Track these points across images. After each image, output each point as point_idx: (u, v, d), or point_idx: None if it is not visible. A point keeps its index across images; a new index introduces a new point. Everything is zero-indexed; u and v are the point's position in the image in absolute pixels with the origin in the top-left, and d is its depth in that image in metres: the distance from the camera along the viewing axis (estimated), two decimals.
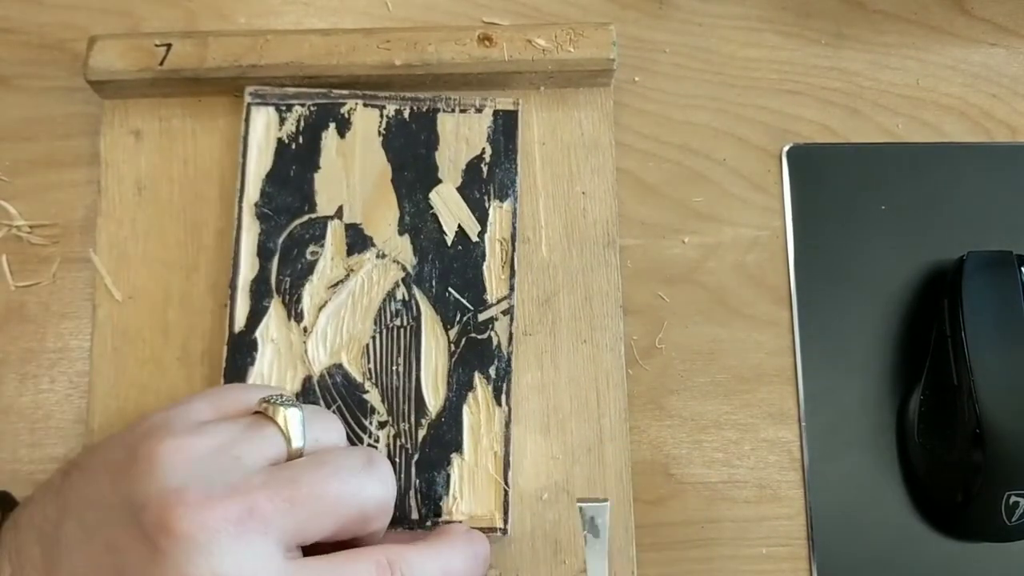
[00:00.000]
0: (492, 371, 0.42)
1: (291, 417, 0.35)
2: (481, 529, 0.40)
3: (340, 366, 0.42)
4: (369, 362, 0.42)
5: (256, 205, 0.43)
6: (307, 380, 0.42)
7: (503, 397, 0.42)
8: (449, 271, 0.43)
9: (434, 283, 0.43)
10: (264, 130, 0.44)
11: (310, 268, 0.43)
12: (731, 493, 0.44)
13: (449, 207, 0.43)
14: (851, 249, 0.47)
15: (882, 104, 0.49)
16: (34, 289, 0.45)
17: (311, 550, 0.35)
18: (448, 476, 0.41)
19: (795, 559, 0.44)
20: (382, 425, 0.41)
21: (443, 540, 0.38)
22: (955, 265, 0.45)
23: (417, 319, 0.42)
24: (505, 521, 0.41)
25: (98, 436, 0.42)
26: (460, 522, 0.40)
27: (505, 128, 0.44)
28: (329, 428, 0.38)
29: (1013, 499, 0.41)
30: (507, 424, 0.41)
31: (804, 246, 0.47)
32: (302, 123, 0.44)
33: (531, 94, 0.46)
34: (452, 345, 0.42)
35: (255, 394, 0.37)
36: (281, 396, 0.36)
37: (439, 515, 0.40)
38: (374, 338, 0.42)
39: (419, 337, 0.42)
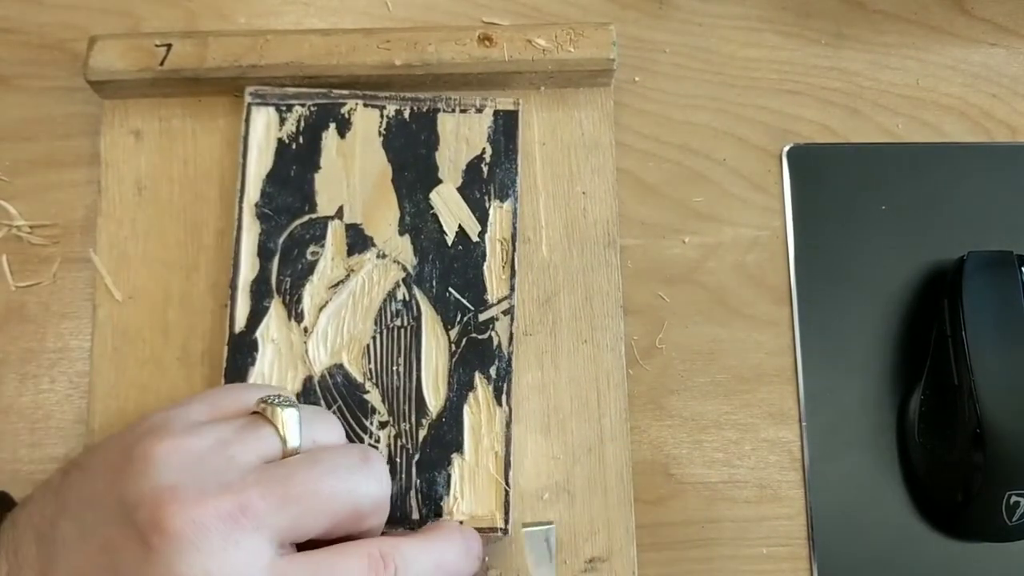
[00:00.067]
0: (493, 371, 0.42)
1: (288, 417, 0.35)
2: (481, 529, 0.40)
3: (341, 366, 0.42)
4: (370, 362, 0.42)
5: (256, 205, 0.43)
6: (308, 380, 0.42)
7: (504, 397, 0.42)
8: (449, 271, 0.43)
9: (435, 283, 0.43)
10: (264, 130, 0.44)
11: (310, 268, 0.42)
12: (731, 493, 0.44)
13: (449, 207, 0.43)
14: (851, 249, 0.47)
15: (882, 104, 0.49)
16: (34, 289, 0.45)
17: (307, 547, 0.35)
18: (449, 476, 0.41)
19: (795, 559, 0.44)
20: (383, 425, 0.41)
21: (436, 534, 0.38)
22: (955, 265, 0.45)
23: (418, 319, 0.42)
24: (506, 521, 0.41)
25: (98, 436, 0.42)
26: (460, 522, 0.40)
27: (505, 128, 0.44)
28: (327, 428, 0.38)
29: (1013, 499, 0.41)
30: (508, 424, 0.41)
31: (804, 246, 0.47)
32: (302, 123, 0.44)
33: (531, 94, 0.46)
34: (453, 345, 0.42)
35: (254, 394, 0.37)
36: (279, 397, 0.36)
37: (440, 515, 0.41)
38: (375, 338, 0.42)
39: (420, 337, 0.42)
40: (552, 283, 0.44)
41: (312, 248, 0.43)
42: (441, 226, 0.43)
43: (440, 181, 0.44)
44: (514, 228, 0.43)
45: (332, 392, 0.41)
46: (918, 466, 0.44)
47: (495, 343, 0.42)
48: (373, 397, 0.41)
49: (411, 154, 0.44)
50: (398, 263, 0.43)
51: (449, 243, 0.43)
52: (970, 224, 0.47)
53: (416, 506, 0.41)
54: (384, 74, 0.44)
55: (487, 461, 0.41)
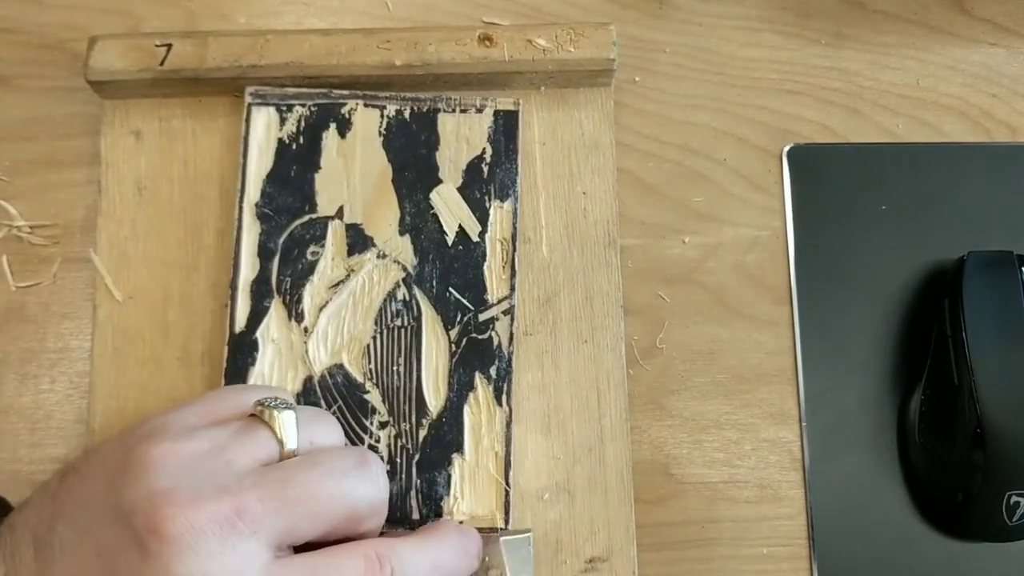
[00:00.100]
0: (493, 371, 0.42)
1: (285, 419, 0.35)
2: (481, 529, 0.40)
3: (341, 366, 0.42)
4: (370, 362, 0.42)
5: (257, 205, 0.43)
6: (308, 380, 0.42)
7: (504, 397, 0.42)
8: (450, 271, 0.43)
9: (435, 283, 0.43)
10: (264, 130, 0.44)
11: (311, 268, 0.42)
12: (731, 493, 0.44)
13: (450, 207, 0.43)
14: (851, 249, 0.47)
15: (882, 104, 0.49)
16: (34, 289, 0.45)
17: (304, 549, 0.35)
18: (449, 476, 0.41)
19: (795, 559, 0.44)
20: (383, 425, 0.41)
21: (433, 534, 0.38)
22: (955, 265, 0.45)
23: (418, 319, 0.42)
24: (506, 521, 0.41)
25: (98, 436, 0.42)
26: (460, 522, 0.40)
27: (506, 128, 0.44)
28: (325, 430, 0.38)
29: (1013, 499, 0.41)
30: (508, 424, 0.41)
31: (804, 246, 0.47)
32: (302, 123, 0.44)
33: (531, 94, 0.46)
34: (453, 345, 0.42)
35: (251, 396, 0.37)
36: (276, 399, 0.36)
37: (440, 515, 0.41)
38: (375, 338, 0.42)
39: (420, 337, 0.42)
40: (552, 283, 0.44)
41: (312, 248, 0.43)
42: (441, 226, 0.43)
43: (440, 181, 0.44)
44: (514, 228, 0.43)
45: (332, 392, 0.41)
46: (918, 466, 0.44)
47: (495, 343, 0.42)
48: (373, 397, 0.41)
49: (411, 154, 0.44)
50: (398, 263, 0.43)
51: (449, 243, 0.43)
52: (970, 224, 0.47)
53: (416, 506, 0.41)
54: (384, 74, 0.44)
55: (487, 461, 0.41)
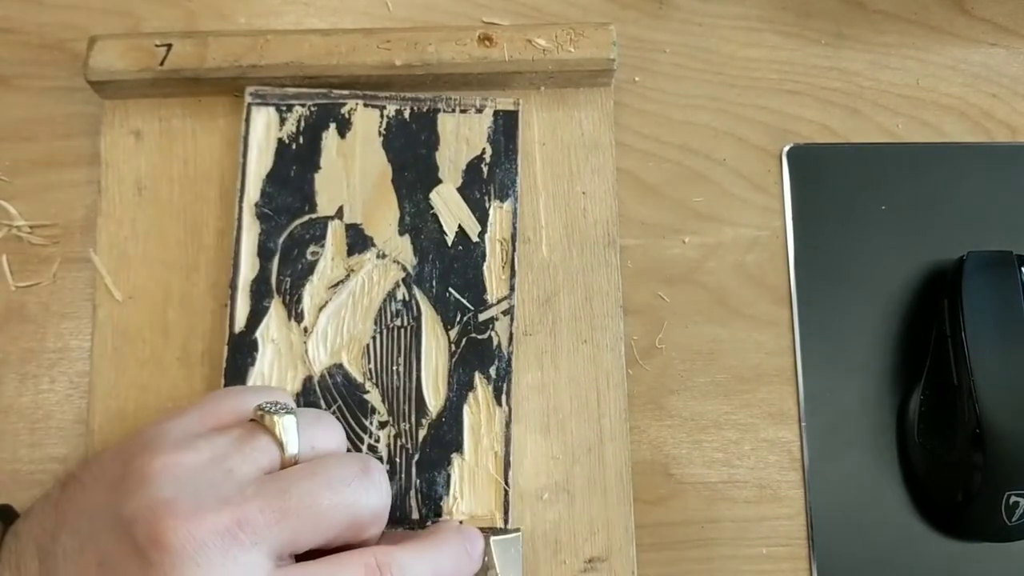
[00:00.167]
0: (492, 371, 0.42)
1: (285, 425, 0.35)
2: (483, 529, 0.40)
3: (340, 366, 0.42)
4: (369, 362, 0.42)
5: (256, 205, 0.43)
6: (307, 380, 0.42)
7: (503, 397, 0.42)
8: (449, 271, 0.43)
9: (434, 283, 0.43)
10: (264, 130, 0.44)
11: (310, 268, 0.43)
12: (731, 493, 0.44)
13: (449, 207, 0.43)
14: (851, 249, 0.47)
15: (882, 104, 0.49)
16: (34, 289, 0.45)
17: (305, 555, 0.35)
18: (448, 476, 0.41)
19: (795, 559, 0.44)
20: (382, 425, 0.41)
21: (434, 539, 0.38)
22: (955, 265, 0.45)
23: (417, 319, 0.42)
24: (505, 521, 0.41)
25: (98, 436, 0.42)
26: (460, 522, 0.40)
27: (505, 128, 0.44)
28: (327, 433, 0.37)
29: (1013, 499, 0.41)
30: (507, 424, 0.42)
31: (804, 246, 0.47)
32: (302, 123, 0.44)
33: (531, 94, 0.46)
34: (452, 345, 0.42)
35: (251, 400, 0.37)
36: (276, 403, 0.36)
37: (439, 515, 0.41)
38: (374, 338, 0.42)
39: (419, 337, 0.42)
40: (552, 283, 0.44)
41: (312, 248, 0.43)
42: (441, 226, 0.43)
43: (440, 181, 0.44)
44: (514, 228, 0.43)
45: (332, 392, 0.41)
46: (918, 466, 0.44)
47: (495, 343, 0.42)
48: (373, 397, 0.41)
49: (411, 154, 0.44)
50: (398, 263, 0.43)
51: (449, 243, 0.43)
52: (970, 224, 0.47)
53: (416, 506, 0.41)
54: (384, 74, 0.44)
55: (487, 461, 0.41)
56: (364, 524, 0.35)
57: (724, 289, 0.46)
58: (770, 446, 0.45)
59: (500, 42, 0.45)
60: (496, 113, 0.44)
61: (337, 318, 0.42)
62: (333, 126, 0.44)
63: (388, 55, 0.44)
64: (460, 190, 0.44)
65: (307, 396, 0.41)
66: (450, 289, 0.43)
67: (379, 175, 0.44)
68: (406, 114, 0.44)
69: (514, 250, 0.43)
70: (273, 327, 0.42)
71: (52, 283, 0.45)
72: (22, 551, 0.35)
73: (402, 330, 0.42)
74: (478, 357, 0.42)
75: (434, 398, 0.42)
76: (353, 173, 0.44)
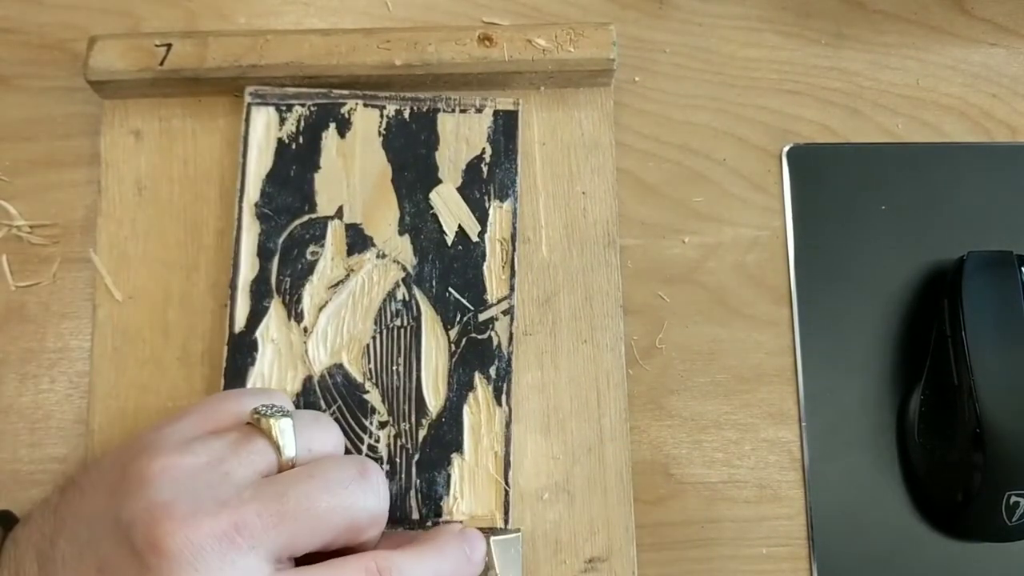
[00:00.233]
0: (492, 371, 0.42)
1: (282, 428, 0.35)
2: (483, 529, 0.40)
3: (340, 366, 0.42)
4: (369, 362, 0.42)
5: (256, 205, 0.43)
6: (307, 380, 0.42)
7: (503, 397, 0.42)
8: (449, 271, 0.43)
9: (434, 283, 0.43)
10: (264, 130, 0.44)
11: (310, 268, 0.43)
12: (731, 493, 0.44)
13: (449, 207, 0.43)
14: (851, 249, 0.47)
15: (882, 104, 0.49)
16: (34, 289, 0.45)
17: (304, 559, 0.35)
18: (449, 476, 0.41)
19: (795, 559, 0.44)
20: (382, 425, 0.41)
21: (434, 543, 0.38)
22: (955, 265, 0.45)
23: (417, 319, 0.42)
24: (506, 521, 0.41)
25: (98, 436, 0.42)
26: (460, 522, 0.40)
27: (505, 128, 0.44)
28: (324, 435, 0.37)
29: (1013, 499, 0.41)
30: (507, 424, 0.42)
31: (804, 246, 0.47)
32: (302, 123, 0.44)
33: (531, 94, 0.46)
34: (452, 345, 0.42)
35: (248, 403, 0.37)
36: (272, 406, 0.36)
37: (439, 515, 0.41)
38: (374, 338, 0.42)
39: (419, 337, 0.42)
40: (552, 283, 0.44)
41: (312, 248, 0.43)
42: (441, 226, 0.43)
43: (440, 181, 0.44)
44: (514, 228, 0.43)
45: (332, 392, 0.41)
46: (918, 466, 0.44)
47: (495, 343, 0.42)
48: (373, 397, 0.41)
49: (411, 154, 0.44)
50: (398, 263, 0.43)
51: (449, 243, 0.43)
52: (970, 224, 0.47)
53: (416, 506, 0.41)
54: (384, 74, 0.44)
55: (487, 461, 0.41)
56: (362, 527, 0.35)
57: (724, 289, 0.46)
58: (770, 446, 0.45)
59: (500, 42, 0.45)
60: (496, 113, 0.44)
61: (337, 318, 0.42)
62: (333, 126, 0.44)
63: (388, 55, 0.44)
64: (460, 190, 0.44)
65: (307, 396, 0.41)
66: (450, 289, 0.43)
67: (379, 175, 0.44)
68: (406, 114, 0.44)
69: (514, 250, 0.43)
70: (273, 327, 0.42)
71: (52, 283, 0.45)
72: (21, 557, 0.35)
73: (402, 330, 0.42)
74: (478, 357, 0.42)
75: (434, 398, 0.42)
76: (353, 173, 0.44)
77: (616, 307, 0.44)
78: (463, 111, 0.44)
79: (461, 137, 0.44)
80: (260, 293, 0.42)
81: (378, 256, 0.43)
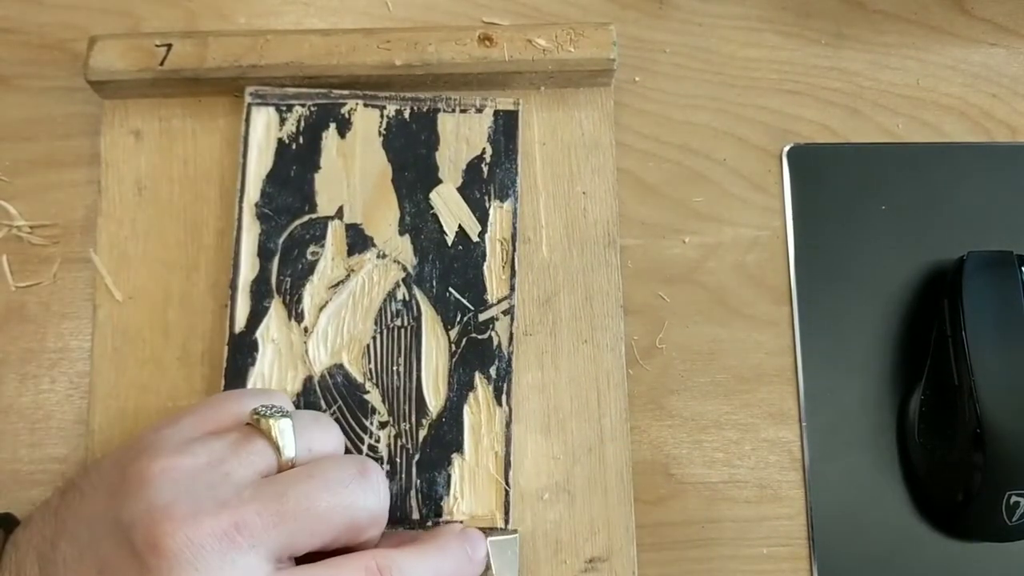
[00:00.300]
0: (493, 371, 0.42)
1: (281, 428, 0.35)
2: (481, 529, 0.40)
3: (341, 366, 0.42)
4: (370, 362, 0.42)
5: (256, 205, 0.43)
6: (308, 380, 0.42)
7: (504, 397, 0.42)
8: (450, 271, 0.43)
9: (435, 283, 0.43)
10: (264, 130, 0.44)
11: (310, 268, 0.42)
12: (731, 493, 0.44)
13: (449, 207, 0.43)
14: (851, 249, 0.47)
15: (882, 104, 0.49)
16: (34, 289, 0.45)
17: (305, 557, 0.35)
18: (449, 476, 0.41)
19: (795, 559, 0.44)
20: (383, 425, 0.41)
21: (434, 542, 0.38)
22: (955, 265, 0.45)
23: (418, 319, 0.42)
24: (506, 521, 0.41)
25: (98, 436, 0.42)
26: (460, 522, 0.40)
27: (505, 128, 0.44)
28: (324, 436, 0.37)
29: (1013, 499, 0.41)
30: (508, 424, 0.42)
31: (804, 246, 0.47)
32: (302, 123, 0.44)
33: (531, 94, 0.46)
34: (453, 345, 0.42)
35: (247, 404, 0.37)
36: (272, 407, 0.36)
37: (440, 515, 0.41)
38: (375, 338, 0.42)
39: (420, 337, 0.42)
40: (552, 283, 0.44)
41: (312, 248, 0.43)
42: (441, 226, 0.43)
43: (440, 181, 0.44)
44: (514, 228, 0.43)
45: (332, 392, 0.41)
46: (918, 466, 0.44)
47: (495, 343, 0.42)
48: (373, 397, 0.41)
49: (411, 154, 0.44)
50: (398, 263, 0.43)
51: (449, 243, 0.43)
52: (970, 224, 0.47)
53: (416, 506, 0.41)
54: (384, 74, 0.44)
55: (487, 461, 0.41)
56: (362, 526, 0.35)
57: (724, 289, 0.46)
58: (770, 446, 0.45)
59: (500, 42, 0.45)
60: (496, 113, 0.44)
61: (337, 318, 0.42)
62: (333, 126, 0.44)
63: (388, 55, 0.44)
64: (460, 190, 0.44)
65: (307, 396, 0.41)
66: (450, 289, 0.43)
67: (379, 175, 0.44)
68: (406, 114, 0.44)
69: (514, 250, 0.43)
70: (273, 327, 0.42)
71: (52, 283, 0.45)
72: (22, 559, 0.35)
73: (402, 330, 0.42)
74: (478, 357, 0.42)
75: (434, 398, 0.42)
76: (353, 173, 0.44)
77: (616, 307, 0.44)
78: (463, 111, 0.44)
79: (461, 137, 0.44)
80: (260, 293, 0.42)
81: (378, 256, 0.43)
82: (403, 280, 0.43)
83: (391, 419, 0.41)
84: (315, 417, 0.39)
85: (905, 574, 0.44)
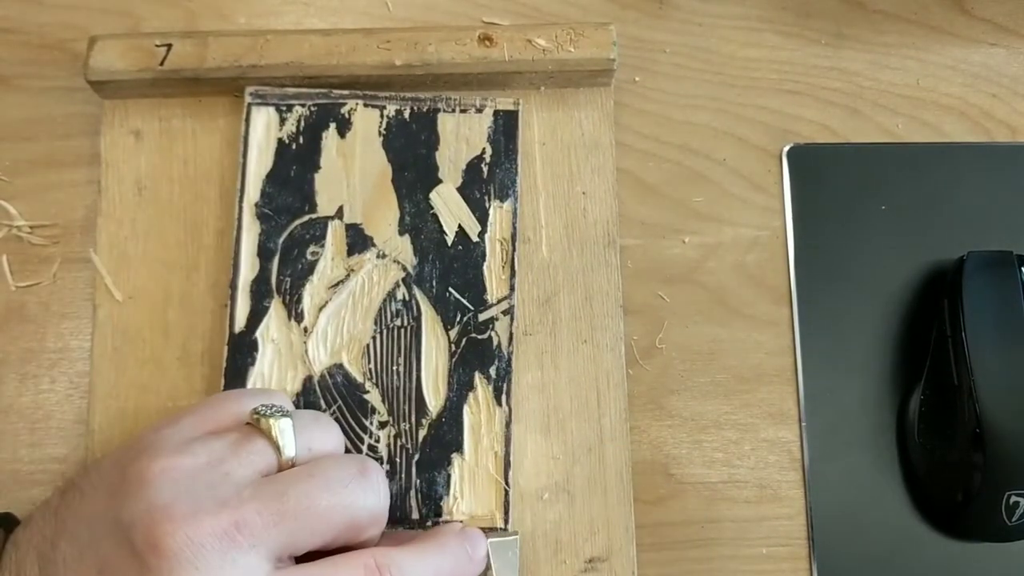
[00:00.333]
0: (492, 371, 0.42)
1: (281, 428, 0.35)
2: (481, 528, 0.40)
3: (340, 366, 0.42)
4: (369, 362, 0.42)
5: (256, 205, 0.43)
6: (307, 380, 0.42)
7: (503, 397, 0.42)
8: (449, 271, 0.43)
9: (434, 283, 0.43)
10: (264, 130, 0.44)
11: (310, 268, 0.42)
12: (731, 493, 0.44)
13: (449, 207, 0.43)
14: (851, 249, 0.47)
15: (882, 104, 0.49)
16: (34, 289, 0.45)
17: (305, 556, 0.35)
18: (449, 476, 0.41)
19: (795, 559, 0.44)
20: (383, 425, 0.41)
21: (434, 541, 0.38)
22: (955, 265, 0.45)
23: (417, 319, 0.42)
24: (506, 521, 0.41)
25: (98, 436, 0.42)
26: (460, 522, 0.40)
27: (505, 128, 0.44)
28: (324, 435, 0.37)
29: (1013, 499, 0.41)
30: (507, 424, 0.42)
31: (804, 246, 0.47)
32: (302, 123, 0.44)
33: (531, 94, 0.46)
34: (452, 345, 0.42)
35: (247, 403, 0.37)
36: (272, 406, 0.36)
37: (440, 515, 0.41)
38: (374, 338, 0.42)
39: (419, 337, 0.42)
40: (552, 283, 0.44)
41: (312, 248, 0.43)
42: (441, 226, 0.43)
43: (440, 181, 0.44)
44: (514, 228, 0.43)
45: (332, 392, 0.41)
46: (918, 466, 0.44)
47: (495, 343, 0.42)
48: (373, 397, 0.41)
49: (411, 154, 0.44)
50: (398, 263, 0.43)
51: (449, 243, 0.43)
52: (970, 224, 0.47)
53: (416, 506, 0.41)
54: (384, 74, 0.44)
55: (487, 461, 0.41)
56: (363, 525, 0.35)
57: (724, 289, 0.46)
58: (770, 446, 0.45)
59: (500, 42, 0.45)
60: (496, 113, 0.44)
61: (337, 318, 0.42)
62: (333, 126, 0.44)
63: (388, 55, 0.44)
64: (460, 190, 0.44)
65: (307, 396, 0.41)
66: (450, 289, 0.43)
67: (379, 175, 0.44)
68: (406, 114, 0.44)
69: (514, 250, 0.43)
70: (273, 327, 0.42)
71: (52, 283, 0.45)
72: (22, 559, 0.35)
73: (402, 330, 0.42)
74: (478, 357, 0.42)
75: (434, 398, 0.42)
76: (353, 173, 0.44)
77: (616, 307, 0.44)
78: (463, 111, 0.44)
79: (461, 137, 0.44)
80: (260, 293, 0.42)
81: (378, 256, 0.43)
82: (403, 280, 0.43)
83: (391, 419, 0.41)
84: (315, 417, 0.39)
85: (905, 574, 0.44)
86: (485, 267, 0.43)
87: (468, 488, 0.41)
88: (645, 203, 0.47)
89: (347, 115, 0.44)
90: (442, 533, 0.39)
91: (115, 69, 0.44)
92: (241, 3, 0.48)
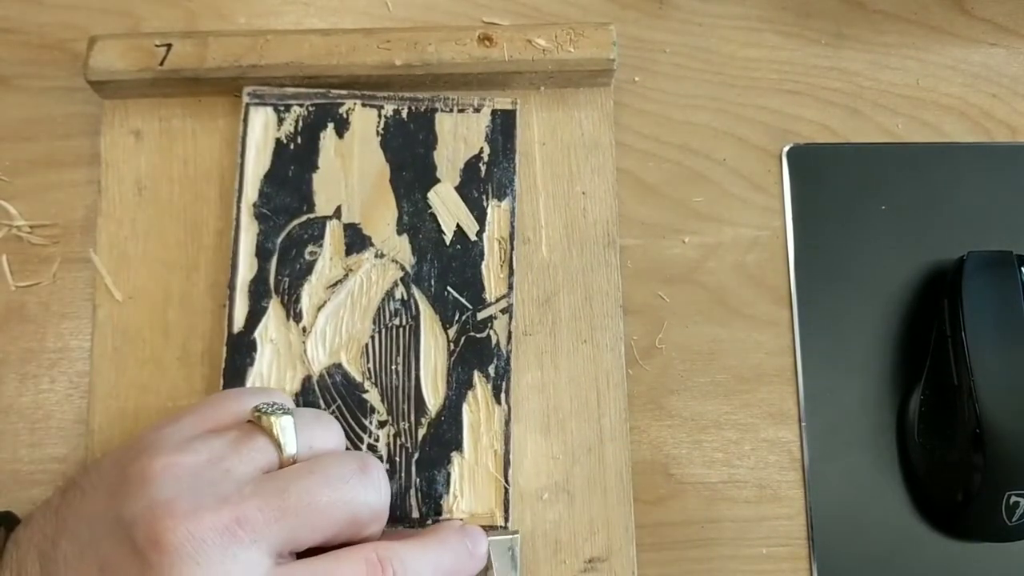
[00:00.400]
0: (491, 369, 0.42)
1: (282, 425, 0.35)
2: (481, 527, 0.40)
3: (339, 366, 0.42)
4: (368, 362, 0.42)
5: (254, 205, 0.43)
6: (306, 380, 0.42)
7: (502, 395, 0.42)
8: (448, 270, 0.43)
9: (433, 282, 0.43)
10: (262, 130, 0.44)
11: (309, 268, 0.43)
12: (731, 493, 0.44)
13: (447, 206, 0.43)
14: (851, 249, 0.47)
15: (882, 104, 0.49)
16: (34, 289, 0.45)
17: (306, 553, 0.35)
18: (448, 475, 0.41)
19: (795, 559, 0.44)
20: (382, 424, 0.41)
21: (435, 536, 0.38)
22: (955, 265, 0.45)
23: (416, 318, 0.42)
24: (506, 519, 0.41)
25: (98, 436, 0.42)
26: (461, 520, 0.40)
27: (503, 127, 0.44)
28: (324, 433, 0.38)
29: (1013, 499, 0.41)
30: (507, 422, 0.41)
31: (804, 246, 0.47)
32: (300, 123, 0.44)
33: (531, 94, 0.46)
34: (451, 344, 0.42)
35: (248, 402, 0.37)
36: (273, 404, 0.36)
37: (440, 514, 0.41)
38: (373, 337, 0.42)
39: (418, 336, 0.42)
40: (552, 283, 0.44)
41: (310, 248, 0.43)
42: (439, 225, 0.43)
43: (438, 180, 0.44)
44: (512, 227, 0.43)
45: (331, 392, 0.41)
46: (918, 466, 0.44)
47: (493, 342, 0.42)
48: (372, 396, 0.41)
49: (409, 154, 0.44)
50: (396, 262, 0.43)
51: (447, 242, 0.43)
52: (970, 224, 0.47)
53: (416, 505, 0.41)
54: (384, 74, 0.44)
55: (486, 459, 0.41)
56: (363, 522, 0.36)
57: (724, 289, 0.46)
58: (770, 446, 0.45)
59: (500, 42, 0.45)
60: (494, 112, 0.44)
61: (336, 318, 0.42)
62: (331, 126, 0.44)
63: (388, 55, 0.44)
64: (458, 189, 0.44)
65: (306, 396, 0.41)
66: (448, 288, 0.43)
67: (377, 175, 0.44)
68: (404, 114, 0.44)
69: (512, 249, 0.43)
70: (272, 327, 0.42)
71: (52, 283, 0.45)
72: (23, 558, 0.35)
73: (401, 329, 0.42)
74: (477, 356, 0.42)
75: (433, 397, 0.42)
76: (351, 173, 0.44)
77: (616, 307, 0.44)
78: (461, 111, 0.44)
79: (459, 137, 0.44)
80: (259, 293, 0.42)
81: (376, 256, 0.43)
82: (401, 279, 0.43)
83: (390, 418, 0.41)
84: (316, 414, 0.39)
85: (905, 574, 0.44)
86: (483, 266, 0.43)
87: (468, 486, 0.41)
88: (645, 203, 0.47)
89: (345, 115, 0.44)
90: (443, 529, 0.39)
91: (115, 69, 0.44)
92: (241, 3, 0.48)
